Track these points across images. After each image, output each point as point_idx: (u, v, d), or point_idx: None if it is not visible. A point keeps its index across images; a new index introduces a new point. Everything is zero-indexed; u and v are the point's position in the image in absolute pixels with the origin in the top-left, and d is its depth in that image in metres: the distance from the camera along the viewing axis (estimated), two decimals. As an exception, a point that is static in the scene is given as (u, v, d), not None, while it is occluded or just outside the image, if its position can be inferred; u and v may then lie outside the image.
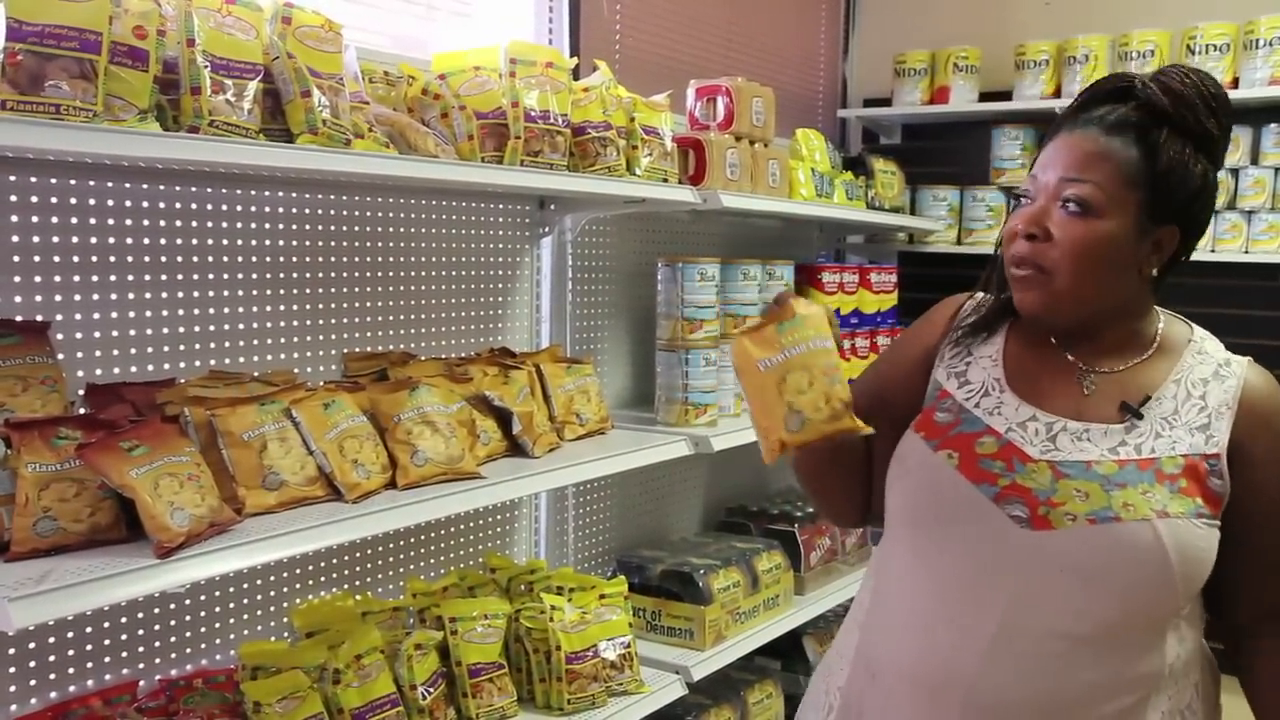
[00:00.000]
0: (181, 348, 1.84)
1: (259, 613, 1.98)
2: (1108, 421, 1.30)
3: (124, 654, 1.77)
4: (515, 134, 1.96)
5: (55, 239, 1.67)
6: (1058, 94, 3.47)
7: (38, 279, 1.65)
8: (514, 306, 2.50)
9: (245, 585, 1.95)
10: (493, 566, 2.31)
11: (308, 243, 2.04)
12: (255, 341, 1.95)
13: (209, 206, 1.87)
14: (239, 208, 1.91)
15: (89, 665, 1.73)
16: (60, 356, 1.62)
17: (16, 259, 1.62)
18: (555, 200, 2.50)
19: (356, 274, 2.13)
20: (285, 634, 2.00)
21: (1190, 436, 1.27)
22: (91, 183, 1.70)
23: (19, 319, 1.61)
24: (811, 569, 2.92)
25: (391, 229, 2.20)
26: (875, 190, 3.38)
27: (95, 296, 1.72)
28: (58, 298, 1.67)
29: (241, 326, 1.93)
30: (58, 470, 1.38)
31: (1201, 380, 1.31)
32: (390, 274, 2.20)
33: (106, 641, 1.75)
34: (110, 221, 1.73)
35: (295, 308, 2.02)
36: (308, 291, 2.04)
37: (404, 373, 2.01)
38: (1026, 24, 3.66)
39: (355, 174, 1.78)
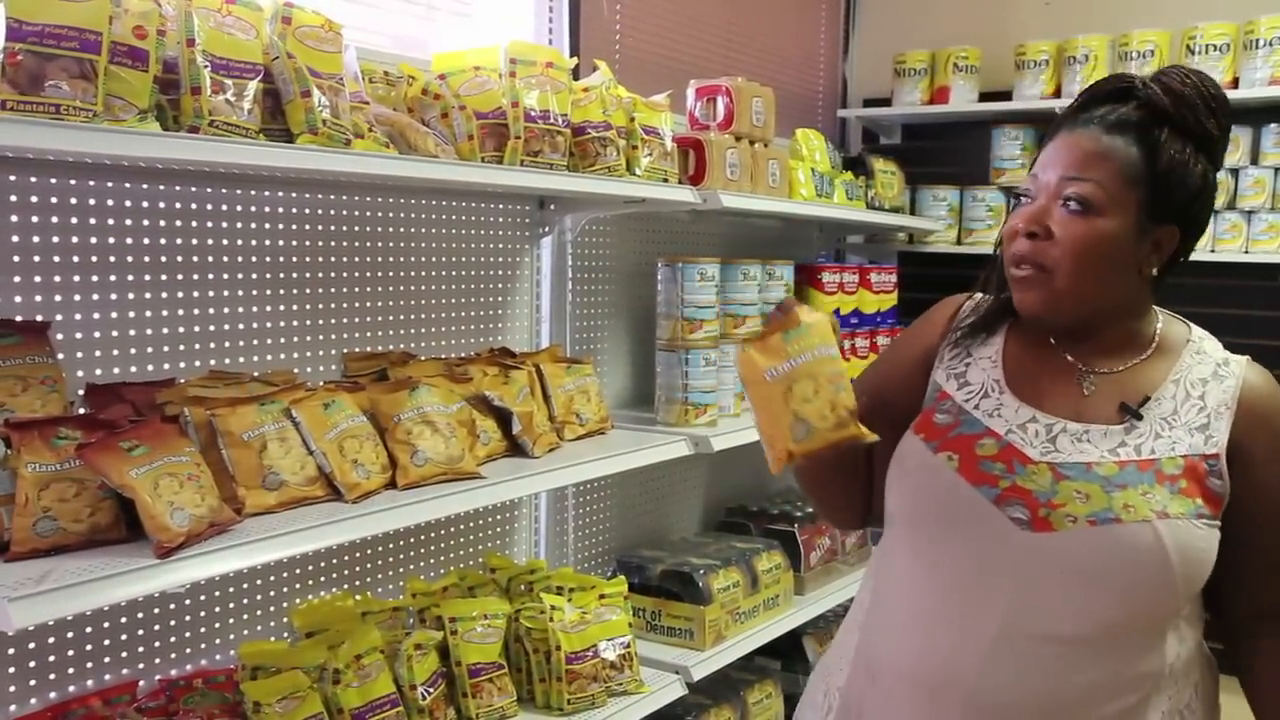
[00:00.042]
0: (181, 348, 1.84)
1: (259, 613, 1.98)
2: (1107, 422, 1.30)
3: (124, 654, 1.77)
4: (515, 134, 1.96)
5: (55, 239, 1.67)
6: (1058, 94, 3.47)
7: (38, 279, 1.65)
8: (514, 306, 2.50)
9: (245, 585, 1.95)
10: (493, 566, 2.31)
11: (308, 243, 2.04)
12: (255, 341, 1.95)
13: (209, 206, 1.87)
14: (239, 208, 1.91)
15: (89, 665, 1.72)
16: (60, 356, 1.62)
17: (16, 259, 1.62)
18: (555, 200, 2.50)
19: (356, 274, 2.13)
20: (285, 634, 2.00)
21: (1190, 437, 1.28)
22: (91, 183, 1.70)
23: (19, 319, 1.61)
24: (811, 569, 2.92)
25: (391, 229, 2.20)
26: (875, 190, 3.38)
27: (95, 296, 1.72)
28: (58, 298, 1.67)
29: (241, 326, 1.93)
30: (58, 470, 1.38)
31: (1200, 380, 1.31)
32: (390, 274, 2.20)
33: (106, 641, 1.75)
34: (110, 221, 1.73)
35: (295, 308, 2.02)
36: (308, 291, 2.04)
37: (404, 373, 2.01)
38: (1026, 24, 3.66)
39: (355, 174, 1.78)
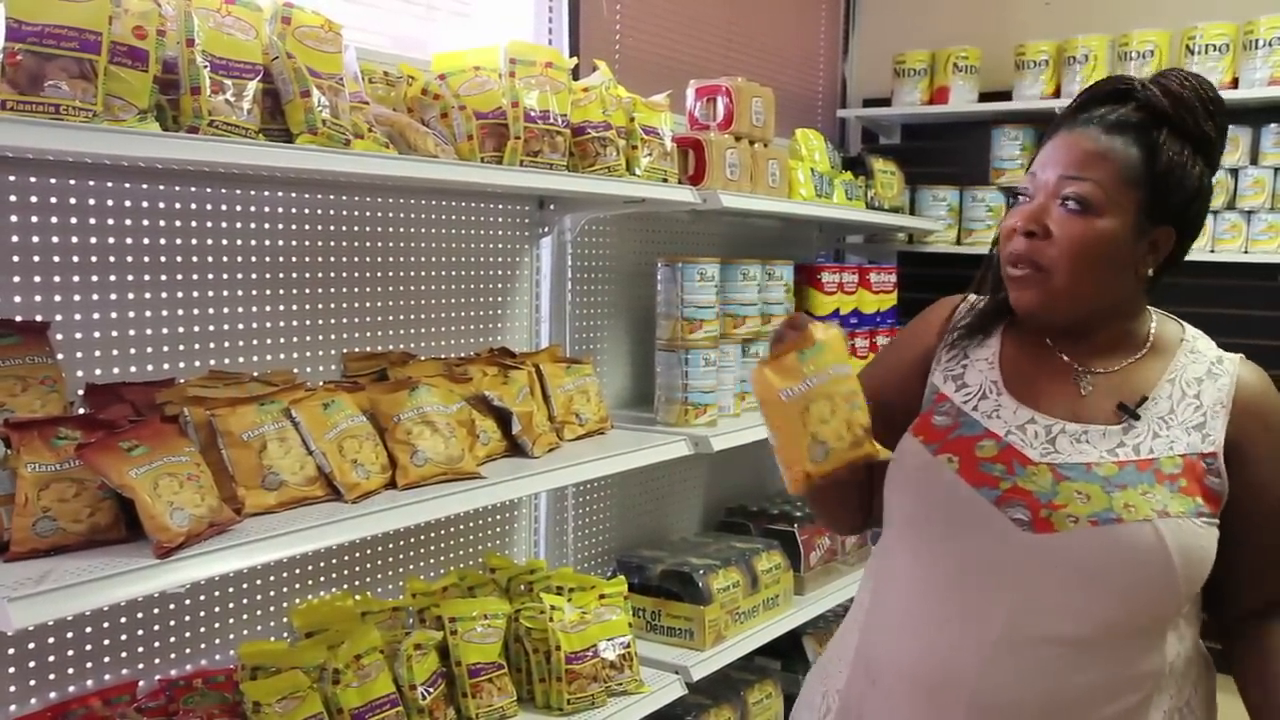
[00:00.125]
0: (181, 348, 1.84)
1: (259, 613, 1.98)
2: (1105, 422, 1.30)
3: (124, 654, 1.77)
4: (515, 134, 1.96)
5: (55, 239, 1.67)
6: (1057, 94, 3.47)
7: (38, 279, 1.65)
8: (514, 306, 2.50)
9: (245, 585, 1.96)
10: (492, 566, 2.31)
11: (308, 243, 2.04)
12: (255, 341, 1.95)
13: (209, 206, 1.87)
14: (239, 208, 1.91)
15: (89, 665, 1.73)
16: (60, 356, 1.62)
17: (16, 259, 1.62)
18: (555, 200, 2.50)
19: (356, 274, 2.13)
20: (285, 634, 2.00)
21: (1187, 436, 1.28)
22: (91, 183, 1.70)
23: (19, 319, 1.61)
24: (811, 569, 2.93)
25: (391, 229, 2.20)
26: (875, 190, 3.38)
27: (95, 296, 1.72)
28: (58, 298, 1.67)
29: (241, 326, 1.93)
30: (57, 470, 1.38)
31: (1195, 379, 1.31)
32: (390, 274, 2.20)
33: (106, 641, 1.75)
34: (110, 221, 1.73)
35: (295, 308, 2.02)
36: (308, 291, 2.04)
37: (404, 373, 2.01)
38: (1026, 24, 3.66)
39: (355, 174, 1.78)
